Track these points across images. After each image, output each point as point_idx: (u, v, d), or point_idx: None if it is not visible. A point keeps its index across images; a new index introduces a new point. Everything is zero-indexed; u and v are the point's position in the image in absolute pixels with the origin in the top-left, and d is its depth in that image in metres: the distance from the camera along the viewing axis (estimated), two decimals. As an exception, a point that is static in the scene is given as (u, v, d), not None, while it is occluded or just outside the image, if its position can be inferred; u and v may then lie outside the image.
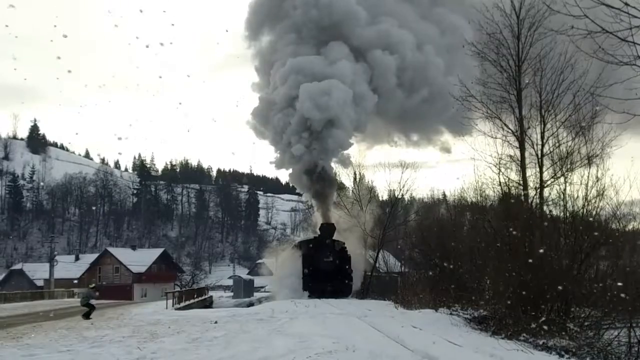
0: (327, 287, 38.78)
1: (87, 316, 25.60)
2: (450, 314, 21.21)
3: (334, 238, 42.17)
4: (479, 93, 23.84)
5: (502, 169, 22.94)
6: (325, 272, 39.74)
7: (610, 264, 19.96)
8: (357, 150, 69.38)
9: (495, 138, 22.94)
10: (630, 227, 21.02)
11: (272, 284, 55.95)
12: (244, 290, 63.21)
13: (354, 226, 46.89)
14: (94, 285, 28.99)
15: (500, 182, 22.65)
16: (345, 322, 18.79)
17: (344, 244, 42.23)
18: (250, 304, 46.56)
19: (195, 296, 49.07)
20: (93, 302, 26.68)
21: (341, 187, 53.95)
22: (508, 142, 23.13)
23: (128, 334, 17.43)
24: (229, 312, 26.52)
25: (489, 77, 23.89)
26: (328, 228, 42.38)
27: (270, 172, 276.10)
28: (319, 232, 42.97)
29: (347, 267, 41.13)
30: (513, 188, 22.70)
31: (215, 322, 20.70)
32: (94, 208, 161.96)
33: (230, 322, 20.55)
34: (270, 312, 23.92)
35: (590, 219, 19.55)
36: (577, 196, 20.00)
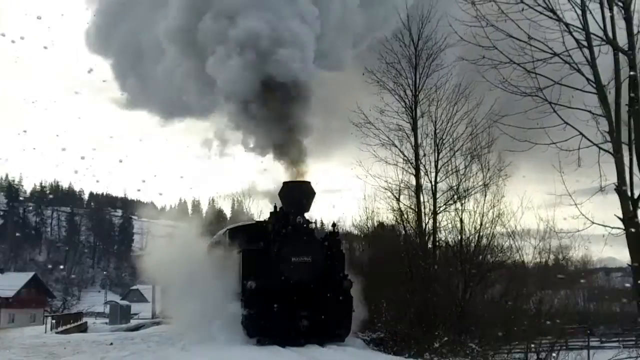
0: (302, 322, 17.64)
1: None
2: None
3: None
4: (377, 120, 24.35)
5: (398, 196, 23.59)
6: (296, 287, 18.00)
7: (501, 290, 20.89)
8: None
9: (397, 165, 23.49)
10: (518, 255, 21.89)
11: (165, 303, 35.74)
12: (120, 317, 61.40)
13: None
14: None
15: (399, 208, 23.27)
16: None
17: (335, 225, 20.72)
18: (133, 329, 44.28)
19: (72, 321, 47.39)
20: None
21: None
22: (405, 169, 23.77)
23: (25, 355, 16.61)
24: (117, 336, 25.76)
25: (387, 106, 24.48)
26: (300, 190, 19.37)
27: (146, 196, 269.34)
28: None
29: (342, 275, 18.99)
30: (409, 214, 23.38)
31: (111, 344, 20.15)
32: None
33: (127, 344, 20.02)
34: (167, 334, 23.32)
35: (484, 244, 20.47)
36: (473, 222, 20.88)
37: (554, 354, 18.32)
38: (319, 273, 18.27)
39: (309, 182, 19.68)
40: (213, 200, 71.89)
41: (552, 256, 21.94)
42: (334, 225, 20.45)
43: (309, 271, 18.14)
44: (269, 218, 20.12)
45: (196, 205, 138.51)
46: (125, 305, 66.52)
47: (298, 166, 19.91)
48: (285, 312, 17.69)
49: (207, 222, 32.62)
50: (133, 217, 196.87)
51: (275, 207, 19.59)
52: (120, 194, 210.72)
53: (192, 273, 21.88)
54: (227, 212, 51.62)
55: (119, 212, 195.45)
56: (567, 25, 14.29)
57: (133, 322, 61.94)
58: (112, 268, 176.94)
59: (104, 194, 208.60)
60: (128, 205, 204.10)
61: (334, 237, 19.74)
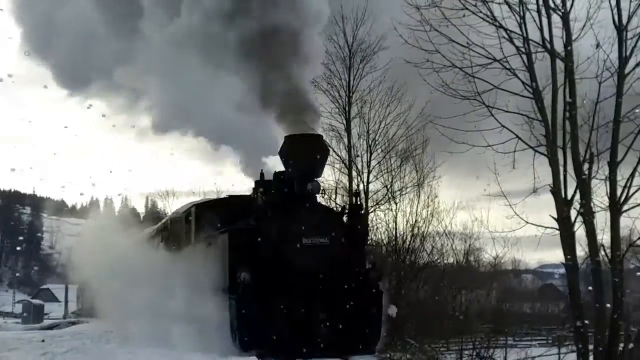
0: (320, 329, 12.48)
1: None
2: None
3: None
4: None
5: (335, 197, 23.71)
6: (310, 280, 12.77)
7: (433, 287, 21.43)
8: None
9: (333, 166, 23.52)
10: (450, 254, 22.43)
11: (86, 303, 33.51)
12: (34, 316, 60.11)
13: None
14: None
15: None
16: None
17: (357, 195, 15.82)
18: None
19: (-17, 321, 46.16)
20: None
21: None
22: (340, 170, 23.90)
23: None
24: (42, 334, 24.97)
25: (321, 106, 24.57)
26: (311, 147, 13.84)
27: (56, 193, 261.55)
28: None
29: (369, 266, 14.10)
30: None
31: (43, 341, 19.64)
32: None
33: (59, 341, 19.54)
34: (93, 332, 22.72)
35: (417, 243, 20.96)
36: (407, 221, 21.31)
37: (490, 351, 18.90)
38: (339, 260, 13.27)
39: (321, 136, 15.02)
40: (125, 198, 70.65)
41: (480, 257, 22.60)
42: (356, 195, 15.65)
43: (325, 257, 13.10)
44: (254, 189, 14.53)
45: (108, 203, 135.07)
46: (38, 305, 65.22)
47: (305, 112, 14.68)
48: (296, 316, 12.61)
49: (121, 219, 31.20)
50: (42, 214, 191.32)
51: (261, 173, 14.48)
52: (29, 191, 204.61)
53: (131, 267, 17.73)
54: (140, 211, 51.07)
55: (28, 210, 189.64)
56: (506, 31, 14.82)
57: (46, 322, 60.48)
58: (21, 267, 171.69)
59: (12, 190, 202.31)
60: (37, 203, 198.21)
61: (357, 210, 14.63)
